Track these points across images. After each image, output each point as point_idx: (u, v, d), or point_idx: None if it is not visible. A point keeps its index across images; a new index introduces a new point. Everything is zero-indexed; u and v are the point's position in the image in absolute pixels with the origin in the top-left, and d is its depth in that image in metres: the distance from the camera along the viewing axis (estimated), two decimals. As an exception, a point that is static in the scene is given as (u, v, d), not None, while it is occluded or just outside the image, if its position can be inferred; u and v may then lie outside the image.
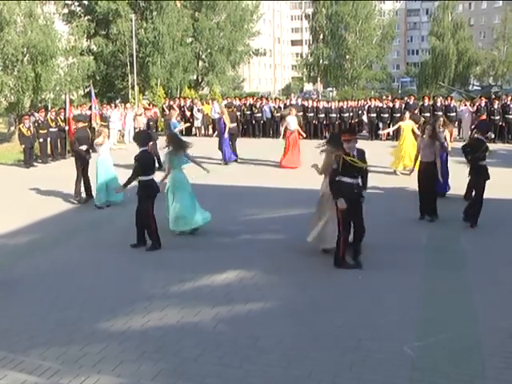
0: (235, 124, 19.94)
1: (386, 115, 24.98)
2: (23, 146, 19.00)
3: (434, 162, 10.94)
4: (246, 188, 14.63)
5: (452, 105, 24.68)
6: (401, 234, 10.14)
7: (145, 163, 9.56)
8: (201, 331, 6.34)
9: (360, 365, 5.54)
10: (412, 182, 14.18)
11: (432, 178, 10.92)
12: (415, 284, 7.75)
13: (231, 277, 8.10)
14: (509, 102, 24.05)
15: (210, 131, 28.41)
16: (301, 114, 24.67)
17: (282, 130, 18.71)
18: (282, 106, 27.12)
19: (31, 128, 19.14)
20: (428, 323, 6.48)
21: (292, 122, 17.77)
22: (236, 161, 19.01)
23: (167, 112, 27.28)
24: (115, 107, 26.63)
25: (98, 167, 12.83)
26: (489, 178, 10.37)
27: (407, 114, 17.18)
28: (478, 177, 10.41)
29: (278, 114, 26.66)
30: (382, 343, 5.95)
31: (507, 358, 5.63)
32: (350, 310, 6.86)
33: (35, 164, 19.35)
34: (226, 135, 18.54)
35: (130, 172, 9.81)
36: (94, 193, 13.09)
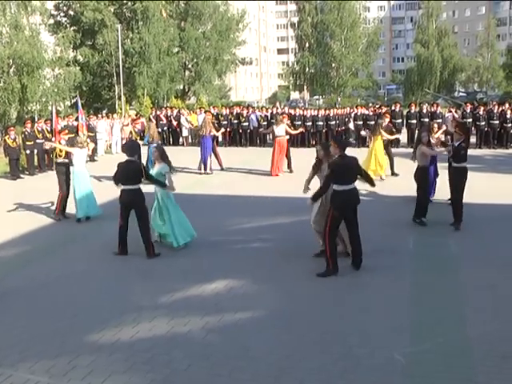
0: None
1: (373, 122, 25.01)
2: (8, 157, 18.92)
3: (426, 167, 11.31)
4: (234, 197, 14.62)
5: (438, 111, 24.84)
6: (388, 240, 10.14)
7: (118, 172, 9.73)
8: (190, 341, 6.31)
9: (352, 371, 5.53)
10: (398, 188, 14.27)
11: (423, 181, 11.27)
12: (404, 290, 7.75)
13: (220, 286, 8.07)
14: (493, 108, 24.28)
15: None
16: (288, 122, 24.64)
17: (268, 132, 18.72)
18: (268, 114, 27.16)
19: (17, 140, 19.04)
20: (418, 329, 6.48)
21: (280, 129, 17.77)
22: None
23: (154, 122, 27.33)
24: (102, 118, 26.55)
25: (74, 179, 12.47)
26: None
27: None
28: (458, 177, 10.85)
29: (265, 123, 26.72)
30: (373, 349, 5.94)
31: (498, 362, 5.63)
32: (339, 318, 6.84)
33: (22, 176, 19.23)
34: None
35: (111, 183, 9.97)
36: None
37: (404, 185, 13.63)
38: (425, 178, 11.33)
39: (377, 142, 16.49)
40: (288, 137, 18.34)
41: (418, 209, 11.20)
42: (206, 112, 22.40)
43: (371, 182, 9.18)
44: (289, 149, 18.20)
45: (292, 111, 27.27)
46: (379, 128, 16.65)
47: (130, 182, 9.53)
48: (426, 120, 23.50)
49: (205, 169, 18.51)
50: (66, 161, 12.81)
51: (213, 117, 22.05)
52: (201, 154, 18.49)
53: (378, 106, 28.24)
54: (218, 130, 19.60)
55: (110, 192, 12.28)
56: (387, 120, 17.86)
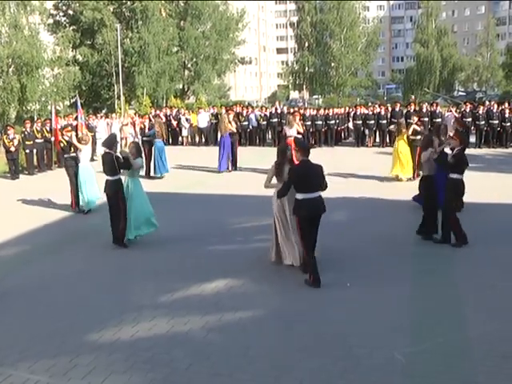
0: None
1: (372, 122, 25.08)
2: (6, 157, 18.87)
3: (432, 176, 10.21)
4: (234, 196, 14.62)
5: (438, 111, 24.84)
6: (389, 240, 10.13)
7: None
8: (191, 341, 6.30)
9: (352, 371, 5.52)
10: (399, 191, 14.26)
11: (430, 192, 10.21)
12: (404, 290, 7.75)
13: (220, 285, 8.08)
14: (492, 108, 24.28)
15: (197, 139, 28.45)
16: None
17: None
18: (267, 114, 27.13)
19: (15, 140, 18.89)
20: (418, 329, 6.48)
21: (292, 130, 17.58)
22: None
23: (153, 121, 27.29)
24: (101, 117, 26.51)
25: (79, 174, 13.04)
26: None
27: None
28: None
29: (264, 123, 26.71)
30: (372, 350, 5.94)
31: (498, 362, 5.63)
32: (339, 318, 6.83)
33: (20, 176, 19.12)
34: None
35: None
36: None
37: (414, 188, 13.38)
38: (431, 189, 10.18)
39: (400, 142, 15.78)
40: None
41: (428, 223, 10.10)
42: (228, 111, 22.30)
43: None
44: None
45: (291, 111, 27.21)
46: (401, 127, 16.16)
47: (108, 173, 10.15)
48: (426, 119, 23.45)
49: (222, 167, 18.41)
50: (75, 155, 13.47)
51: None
52: (220, 153, 18.43)
53: (378, 105, 28.24)
54: (236, 128, 19.44)
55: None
56: (416, 119, 17.41)
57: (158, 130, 17.96)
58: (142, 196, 10.50)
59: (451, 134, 11.04)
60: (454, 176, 9.64)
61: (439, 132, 12.81)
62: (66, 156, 13.79)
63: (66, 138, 13.71)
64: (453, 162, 9.66)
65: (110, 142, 10.48)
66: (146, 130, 19.39)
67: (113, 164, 10.04)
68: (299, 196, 7.86)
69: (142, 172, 11.77)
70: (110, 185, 10.16)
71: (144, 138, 18.71)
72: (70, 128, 14.89)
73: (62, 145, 13.88)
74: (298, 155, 8.02)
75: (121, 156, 10.25)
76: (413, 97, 39.99)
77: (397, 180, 15.66)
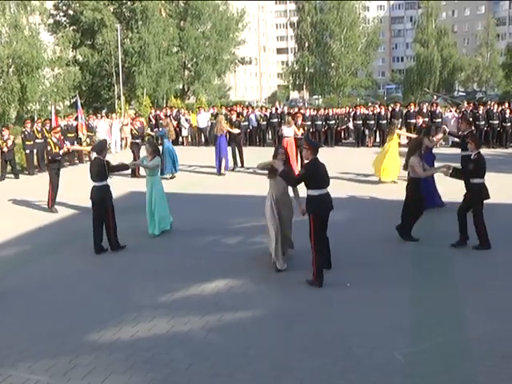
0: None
1: (372, 122, 25.09)
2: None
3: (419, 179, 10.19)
4: (234, 197, 14.61)
5: (438, 111, 24.84)
6: (389, 240, 10.13)
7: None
8: (191, 341, 6.31)
9: (352, 371, 5.53)
10: (399, 191, 14.22)
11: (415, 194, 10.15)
12: (404, 290, 7.75)
13: (220, 285, 8.08)
14: (492, 108, 24.27)
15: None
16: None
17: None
18: (268, 114, 27.14)
19: (8, 141, 18.81)
20: (418, 329, 6.49)
21: (289, 130, 17.43)
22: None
23: (153, 122, 27.33)
24: (101, 117, 26.49)
25: None
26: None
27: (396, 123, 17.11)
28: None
29: (264, 123, 26.71)
30: (372, 350, 5.94)
31: (498, 362, 5.64)
32: (339, 318, 6.84)
33: (20, 176, 19.07)
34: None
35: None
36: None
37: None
38: (417, 191, 10.12)
39: (392, 142, 15.63)
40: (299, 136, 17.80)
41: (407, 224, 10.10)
42: (230, 111, 22.38)
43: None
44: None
45: (291, 111, 27.20)
46: (394, 128, 16.24)
47: (95, 178, 10.01)
48: (426, 119, 23.43)
49: (218, 170, 18.26)
50: (60, 158, 13.81)
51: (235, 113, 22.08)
52: (215, 154, 18.30)
53: (378, 105, 28.25)
54: (232, 128, 19.43)
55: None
56: (421, 120, 17.52)
57: (171, 130, 18.03)
58: (164, 196, 11.11)
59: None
60: (476, 181, 9.55)
61: (429, 133, 12.86)
62: (50, 158, 13.62)
63: (54, 140, 13.63)
64: (473, 168, 9.55)
65: (101, 147, 10.35)
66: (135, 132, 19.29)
67: (102, 169, 9.93)
68: (315, 192, 7.95)
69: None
70: (96, 191, 9.98)
71: (135, 141, 18.77)
72: (58, 129, 14.88)
73: (48, 147, 13.60)
74: (309, 154, 8.09)
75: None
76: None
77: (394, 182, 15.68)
